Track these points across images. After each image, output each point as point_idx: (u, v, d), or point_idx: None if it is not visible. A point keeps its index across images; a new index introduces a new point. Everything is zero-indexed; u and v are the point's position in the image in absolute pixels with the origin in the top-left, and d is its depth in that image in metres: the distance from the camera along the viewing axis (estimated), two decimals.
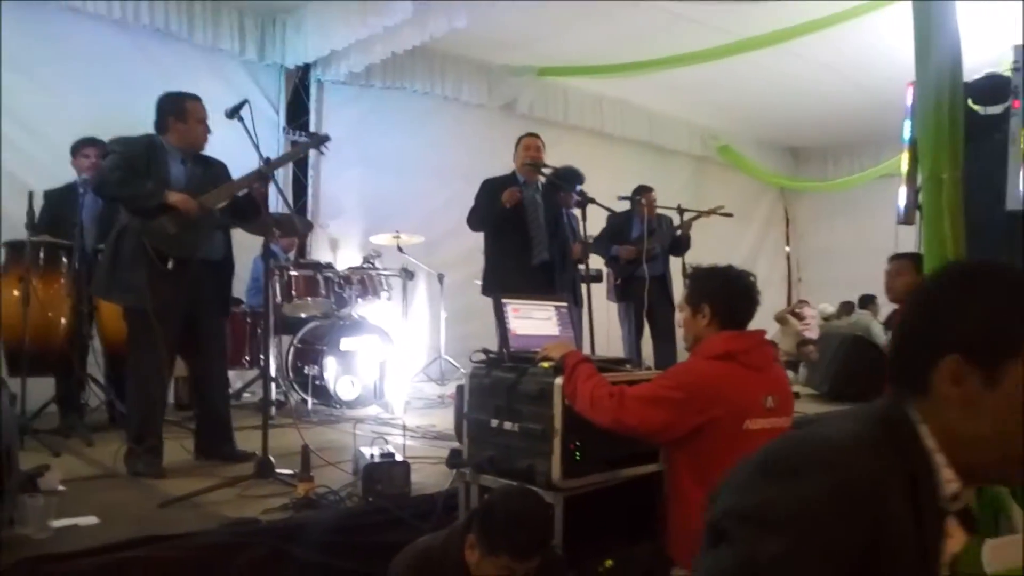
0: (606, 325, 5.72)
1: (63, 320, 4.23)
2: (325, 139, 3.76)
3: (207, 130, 3.59)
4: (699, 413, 2.14)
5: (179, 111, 3.53)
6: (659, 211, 5.95)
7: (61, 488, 2.92)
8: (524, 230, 4.74)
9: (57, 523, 2.47)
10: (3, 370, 4.09)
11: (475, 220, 4.85)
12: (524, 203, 4.73)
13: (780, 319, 8.93)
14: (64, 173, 4.76)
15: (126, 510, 2.78)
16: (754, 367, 2.24)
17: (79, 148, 4.70)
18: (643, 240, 5.58)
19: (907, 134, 4.26)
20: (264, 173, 3.40)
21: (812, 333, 7.94)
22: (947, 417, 0.91)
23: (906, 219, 4.48)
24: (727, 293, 2.31)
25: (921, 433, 0.92)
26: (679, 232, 5.84)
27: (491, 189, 4.81)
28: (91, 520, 2.58)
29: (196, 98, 3.57)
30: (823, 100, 8.23)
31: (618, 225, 5.79)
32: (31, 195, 4.07)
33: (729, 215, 6.05)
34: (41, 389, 4.29)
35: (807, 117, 9.06)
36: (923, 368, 0.92)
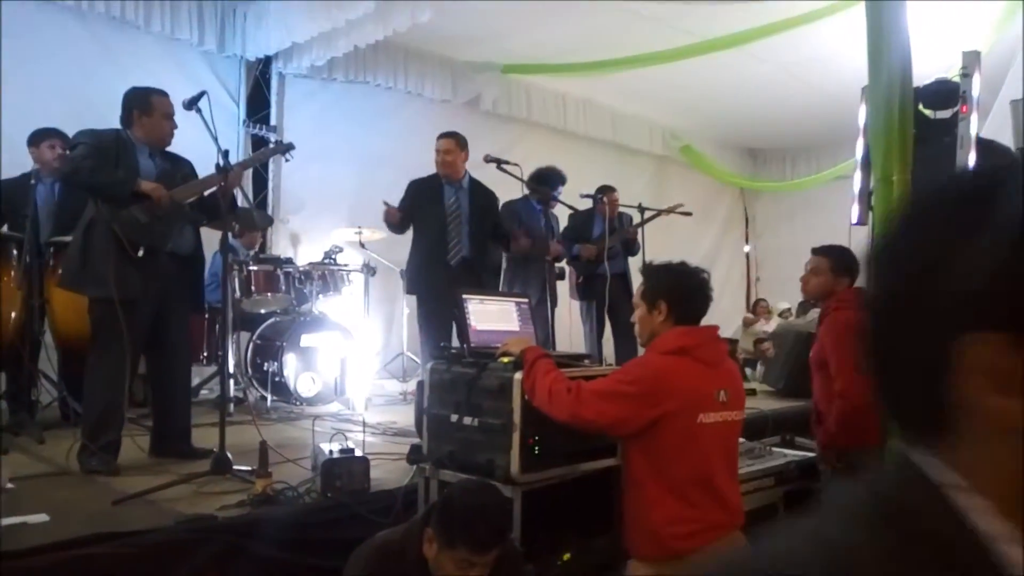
0: (568, 323, 5.78)
1: (13, 314, 4.12)
2: (290, 147, 3.83)
3: (173, 126, 3.55)
4: (654, 407, 2.18)
5: (144, 105, 3.48)
6: (621, 209, 6.01)
7: (10, 486, 2.86)
8: (441, 230, 4.74)
9: (6, 521, 2.41)
10: None
11: (391, 224, 4.90)
12: (443, 203, 4.75)
13: (746, 322, 9.11)
14: (15, 163, 4.63)
15: (78, 507, 2.73)
16: (707, 362, 2.29)
17: (41, 138, 4.58)
18: (604, 239, 5.64)
19: (861, 137, 4.38)
20: (233, 174, 3.38)
21: (768, 327, 8.11)
22: (994, 452, 0.49)
23: (860, 220, 4.61)
24: (682, 289, 2.36)
25: (959, 502, 0.49)
26: (624, 237, 5.91)
27: (412, 191, 4.89)
28: (41, 518, 2.52)
29: (163, 93, 3.52)
30: (782, 102, 8.39)
31: (580, 224, 5.87)
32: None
33: (688, 214, 6.15)
34: None
35: (767, 119, 9.22)
36: (932, 377, 0.50)
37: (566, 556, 2.60)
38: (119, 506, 2.74)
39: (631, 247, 5.92)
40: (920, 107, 4.33)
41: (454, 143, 4.80)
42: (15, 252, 4.18)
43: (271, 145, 4.17)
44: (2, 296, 4.08)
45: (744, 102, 8.48)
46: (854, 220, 4.61)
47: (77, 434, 3.37)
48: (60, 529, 2.42)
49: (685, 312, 2.34)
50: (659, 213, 5.96)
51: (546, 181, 5.35)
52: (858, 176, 4.50)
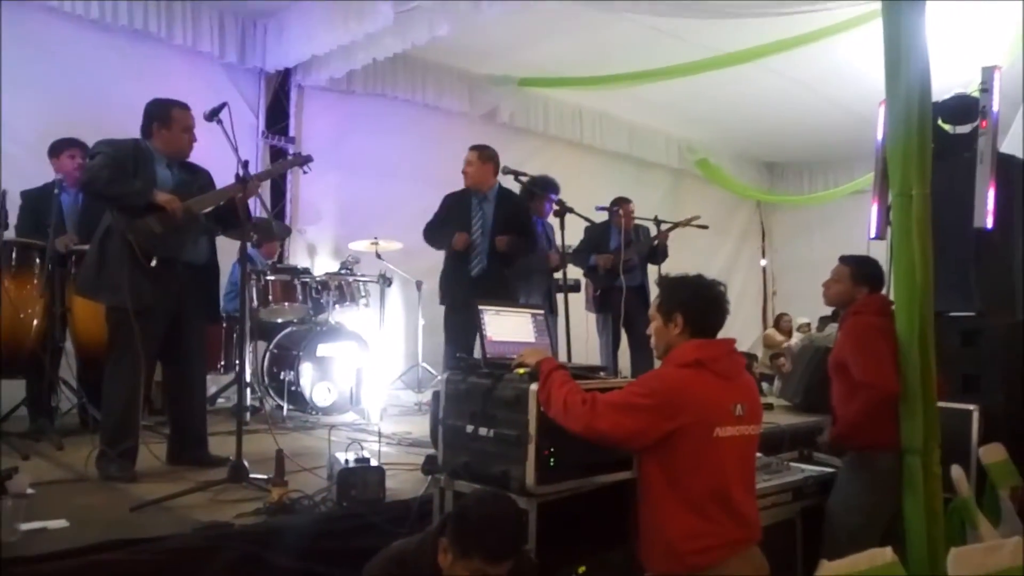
0: (584, 335, 5.77)
1: (35, 322, 4.17)
2: (308, 159, 3.86)
3: (193, 138, 3.59)
4: (669, 420, 2.17)
5: (165, 118, 3.52)
6: (637, 222, 6.01)
7: (30, 491, 2.87)
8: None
9: (26, 526, 2.43)
10: None
11: (428, 234, 4.94)
12: (469, 214, 4.78)
13: (768, 342, 9.06)
14: (38, 173, 4.71)
15: (96, 514, 2.75)
16: (724, 375, 2.28)
17: (62, 148, 4.66)
18: (621, 250, 5.64)
19: (879, 151, 4.37)
20: (250, 185, 3.40)
21: (792, 342, 8.06)
22: None
23: (878, 234, 4.58)
24: (699, 302, 2.35)
25: None
26: (655, 242, 5.91)
27: (446, 204, 4.92)
28: (61, 523, 2.55)
29: (184, 106, 3.55)
30: (799, 116, 8.38)
31: (596, 236, 5.86)
32: (4, 194, 4.02)
33: (704, 227, 6.13)
34: (11, 392, 4.24)
35: (784, 132, 9.21)
36: None
37: (581, 569, 2.58)
38: (137, 512, 2.76)
39: (657, 255, 5.91)
40: (939, 122, 4.31)
41: (476, 155, 4.83)
42: (38, 261, 4.24)
43: (290, 157, 4.20)
44: (25, 304, 4.13)
45: (761, 115, 8.48)
46: (872, 235, 4.59)
47: (96, 441, 3.41)
48: (79, 535, 2.44)
49: (701, 325, 2.33)
50: (675, 226, 5.96)
51: (538, 188, 5.37)
52: (876, 190, 4.49)
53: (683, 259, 5.98)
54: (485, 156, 4.84)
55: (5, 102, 5.20)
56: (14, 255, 4.16)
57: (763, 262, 11.44)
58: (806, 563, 3.16)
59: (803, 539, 3.32)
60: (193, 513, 2.76)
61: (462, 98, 7.61)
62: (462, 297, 4.49)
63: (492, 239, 4.73)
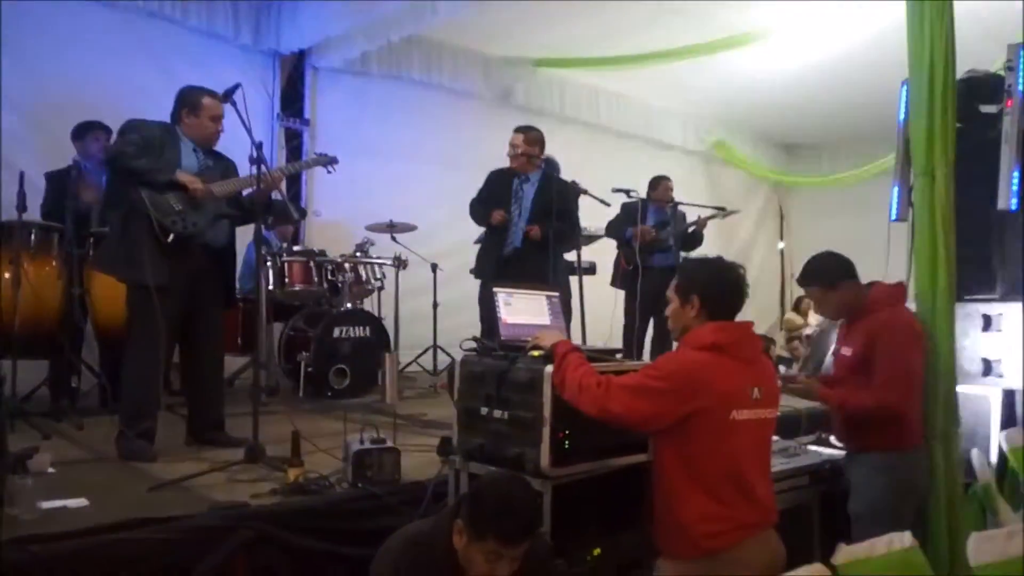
0: (611, 314, 5.74)
1: (55, 303, 4.21)
2: (333, 160, 3.95)
3: (219, 127, 3.62)
4: (685, 403, 2.15)
5: (193, 105, 3.55)
6: (678, 206, 5.99)
7: (51, 470, 2.93)
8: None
9: (46, 504, 2.47)
10: None
11: (471, 208, 4.97)
12: (510, 194, 4.80)
13: (789, 325, 8.99)
14: (56, 155, 4.74)
15: (116, 493, 2.78)
16: (741, 358, 2.26)
17: (87, 131, 4.68)
18: (659, 225, 5.63)
19: (900, 131, 4.29)
20: (270, 178, 3.45)
21: (811, 329, 8.00)
22: None
23: (899, 216, 4.51)
24: (716, 284, 2.32)
25: None
26: (692, 229, 5.87)
27: (488, 179, 4.95)
28: (81, 502, 2.58)
29: (214, 95, 3.56)
30: (818, 96, 8.25)
31: (633, 212, 5.76)
32: (22, 176, 4.05)
33: (733, 212, 6.12)
34: (32, 372, 4.29)
35: (802, 113, 9.08)
36: None
37: (596, 551, 2.58)
38: (155, 492, 2.79)
39: (695, 241, 5.88)
40: (963, 101, 4.22)
41: (522, 137, 4.82)
42: (57, 242, 4.28)
43: (314, 156, 4.24)
44: (44, 285, 4.17)
45: (779, 96, 8.36)
46: (894, 216, 4.52)
47: (115, 421, 3.44)
48: (98, 513, 2.47)
49: (718, 307, 2.31)
50: (714, 215, 5.97)
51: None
52: (898, 171, 4.41)
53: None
54: (532, 138, 4.82)
55: (21, 85, 5.23)
56: (33, 237, 4.19)
57: (781, 244, 11.34)
58: (823, 547, 3.14)
59: (820, 523, 3.31)
60: (211, 493, 2.78)
61: (477, 79, 7.55)
62: (491, 274, 4.55)
63: (528, 222, 4.73)
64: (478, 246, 5.13)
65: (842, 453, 3.39)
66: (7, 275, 4.03)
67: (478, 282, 4.84)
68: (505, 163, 4.94)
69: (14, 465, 2.63)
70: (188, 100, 3.57)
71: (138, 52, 5.77)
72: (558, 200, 4.74)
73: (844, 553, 1.91)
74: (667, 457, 2.26)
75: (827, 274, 3.00)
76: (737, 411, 2.20)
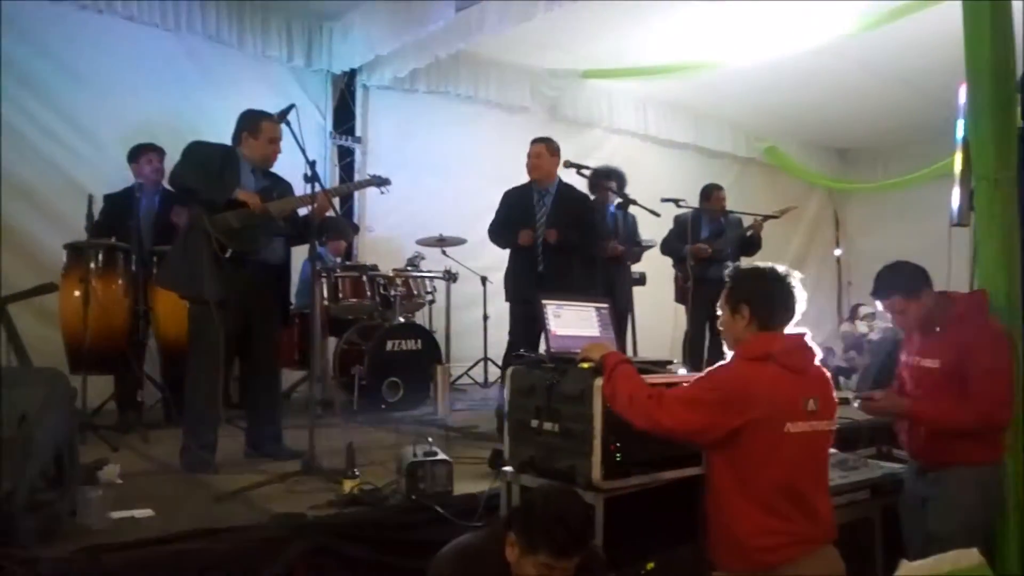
0: (673, 327, 5.68)
1: (121, 320, 4.38)
2: (386, 182, 4.01)
3: (278, 149, 3.73)
4: (737, 415, 2.12)
5: (253, 128, 3.68)
6: (729, 212, 5.91)
7: (119, 481, 3.04)
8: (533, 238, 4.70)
9: (115, 515, 2.56)
10: (65, 368, 4.25)
11: (491, 233, 4.92)
12: (533, 211, 4.72)
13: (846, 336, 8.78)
14: (119, 177, 4.93)
15: (180, 503, 2.88)
16: (795, 369, 2.21)
17: (140, 153, 4.87)
18: (714, 239, 5.55)
19: (960, 134, 4.16)
20: (324, 198, 3.53)
21: (875, 336, 7.78)
22: None
23: (960, 221, 4.37)
24: (766, 293, 2.28)
25: None
26: (750, 232, 5.78)
27: (506, 200, 4.87)
28: (147, 512, 2.67)
29: (272, 117, 3.67)
30: (872, 99, 8.06)
31: (685, 225, 5.69)
32: (90, 198, 4.23)
33: (786, 209, 6.01)
34: (100, 387, 4.46)
35: (856, 117, 8.87)
36: None
37: (649, 565, 2.56)
38: (218, 503, 2.87)
39: (752, 246, 5.79)
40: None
41: (543, 147, 4.77)
42: (122, 261, 4.45)
43: (368, 177, 4.32)
44: (111, 303, 4.34)
45: (832, 100, 8.19)
46: (954, 221, 4.38)
47: (179, 434, 3.56)
48: (164, 523, 2.56)
49: (768, 317, 2.27)
50: (768, 217, 5.85)
51: (605, 177, 5.30)
52: (958, 175, 4.28)
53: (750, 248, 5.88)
54: (552, 149, 4.80)
55: (87, 109, 5.47)
56: (100, 257, 4.36)
57: (837, 252, 11.08)
58: (886, 562, 3.05)
59: (883, 537, 3.21)
60: (270, 504, 2.85)
61: (524, 93, 7.60)
62: (530, 294, 4.40)
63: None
64: None
65: (901, 467, 3.29)
66: (77, 293, 4.21)
67: None
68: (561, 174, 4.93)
69: (85, 477, 2.75)
70: (248, 123, 3.70)
71: (197, 76, 5.98)
72: (577, 209, 4.74)
73: (907, 569, 1.86)
74: (720, 470, 2.23)
75: (908, 283, 2.88)
76: (792, 423, 2.16)
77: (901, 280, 2.89)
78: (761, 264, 2.38)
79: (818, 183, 10.47)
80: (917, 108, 7.88)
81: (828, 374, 2.37)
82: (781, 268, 2.35)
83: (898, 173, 10.01)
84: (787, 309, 2.28)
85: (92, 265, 4.26)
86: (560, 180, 4.86)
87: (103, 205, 4.74)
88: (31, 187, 5.22)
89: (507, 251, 4.95)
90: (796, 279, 2.33)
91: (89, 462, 2.93)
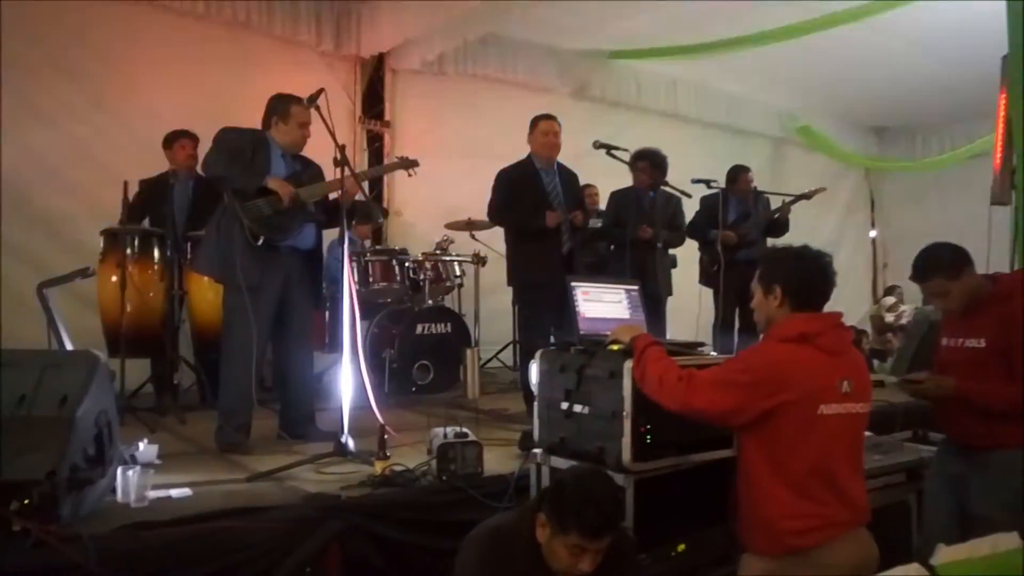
0: (696, 308, 5.63)
1: (157, 304, 4.46)
2: (414, 163, 4.01)
3: (307, 133, 3.75)
4: (769, 397, 2.10)
5: (284, 113, 3.71)
6: (761, 195, 5.83)
7: (157, 462, 3.11)
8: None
9: (153, 494, 2.62)
10: (104, 351, 4.35)
11: (495, 215, 4.69)
12: (546, 192, 4.55)
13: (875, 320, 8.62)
14: (153, 163, 4.99)
15: (216, 483, 2.93)
16: (829, 350, 2.18)
17: (174, 140, 4.93)
18: (742, 221, 5.48)
19: (1001, 110, 4.05)
20: (353, 182, 3.53)
21: (906, 319, 7.64)
22: None
23: (1000, 199, 4.26)
24: (799, 274, 2.25)
25: None
26: (777, 215, 5.69)
27: (508, 181, 4.60)
28: (184, 492, 2.74)
29: (302, 103, 3.67)
30: (908, 76, 7.86)
31: (712, 207, 5.58)
32: (125, 185, 4.30)
33: (815, 191, 5.90)
34: (138, 370, 4.55)
35: (892, 94, 8.68)
36: None
37: (680, 547, 2.56)
38: (252, 483, 2.93)
39: (779, 228, 5.71)
40: None
41: (558, 125, 4.64)
42: (157, 247, 4.52)
43: (396, 159, 4.30)
44: (147, 288, 4.42)
45: (867, 77, 8.02)
46: (994, 201, 4.27)
47: (214, 415, 3.62)
48: (200, 502, 2.62)
49: (802, 298, 2.23)
50: (799, 198, 5.75)
51: (649, 159, 5.21)
52: (998, 153, 4.17)
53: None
54: (559, 126, 4.65)
55: (120, 97, 5.55)
56: (136, 242, 4.44)
57: (872, 233, 10.88)
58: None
59: (919, 521, 3.17)
60: (303, 485, 2.90)
61: (552, 74, 7.55)
62: (551, 276, 4.15)
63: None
64: None
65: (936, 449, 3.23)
66: (114, 278, 4.29)
67: None
68: (584, 157, 4.87)
69: (125, 457, 2.81)
70: (278, 108, 3.72)
71: (227, 61, 6.03)
72: (577, 188, 4.67)
73: (944, 553, 1.83)
74: (752, 452, 2.21)
75: (950, 264, 2.79)
76: (825, 405, 2.12)
77: (943, 262, 2.81)
78: (795, 245, 2.34)
79: (853, 162, 10.27)
80: (956, 84, 7.67)
81: (863, 356, 2.33)
82: (814, 248, 2.31)
83: (936, 151, 9.79)
84: (821, 290, 2.25)
85: (128, 251, 4.34)
86: (558, 161, 4.69)
87: (138, 190, 4.81)
88: (67, 174, 5.33)
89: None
90: (828, 259, 2.29)
91: (128, 443, 3.00)
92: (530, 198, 4.52)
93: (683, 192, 5.16)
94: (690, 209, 5.72)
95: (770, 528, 2.16)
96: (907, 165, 10.26)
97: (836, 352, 2.19)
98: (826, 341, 2.18)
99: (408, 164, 4.02)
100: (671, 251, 5.38)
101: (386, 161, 6.94)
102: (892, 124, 10.44)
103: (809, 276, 2.25)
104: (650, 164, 5.16)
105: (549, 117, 4.68)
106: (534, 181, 4.56)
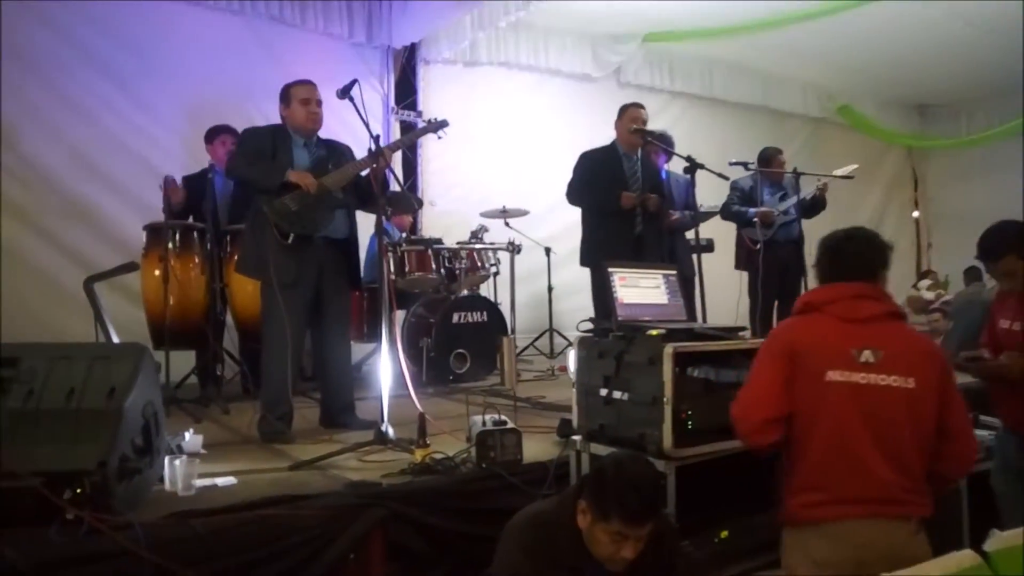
0: (734, 293, 5.57)
1: (199, 298, 4.53)
2: (443, 124, 3.89)
3: (312, 110, 3.67)
4: (782, 367, 2.08)
5: (285, 97, 3.71)
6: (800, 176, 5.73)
7: (203, 451, 3.17)
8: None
9: (199, 483, 2.67)
10: (149, 344, 4.44)
11: (574, 195, 4.90)
12: (626, 176, 4.72)
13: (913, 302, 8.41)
14: (191, 158, 5.07)
15: (260, 472, 2.98)
16: (844, 318, 2.11)
17: (215, 135, 4.99)
18: (777, 203, 5.42)
19: None
20: (384, 154, 3.51)
21: (949, 296, 7.46)
22: None
23: None
24: (824, 252, 2.25)
25: None
26: (813, 195, 5.59)
27: (590, 163, 4.83)
28: (229, 480, 2.78)
29: (302, 82, 3.69)
30: (951, 51, 7.62)
31: (744, 190, 5.57)
32: (164, 180, 4.36)
33: (847, 172, 5.76)
34: (182, 362, 4.64)
35: (935, 71, 8.43)
36: None
37: (724, 534, 2.53)
38: (295, 471, 2.97)
39: (816, 207, 5.63)
40: None
41: (643, 113, 4.79)
42: (198, 241, 4.59)
43: (423, 124, 4.24)
44: (189, 281, 4.49)
45: (908, 54, 7.79)
46: None
47: (257, 406, 3.68)
48: (245, 491, 2.66)
49: (828, 272, 2.23)
50: (834, 178, 5.61)
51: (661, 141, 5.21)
52: None
53: (826, 213, 5.67)
54: (646, 115, 4.81)
55: (157, 93, 5.63)
56: (178, 237, 4.51)
57: (915, 213, 10.62)
58: (973, 534, 2.93)
59: (969, 508, 3.09)
60: (344, 473, 2.93)
61: (585, 60, 7.50)
62: (627, 257, 4.43)
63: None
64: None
65: (989, 433, 3.15)
66: (157, 272, 4.38)
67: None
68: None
69: (171, 447, 2.87)
70: (282, 96, 3.72)
71: (259, 55, 6.09)
72: (658, 176, 4.72)
73: (998, 540, 1.79)
74: (788, 431, 2.15)
75: (1022, 242, 2.73)
76: (832, 371, 2.04)
77: (1015, 239, 2.74)
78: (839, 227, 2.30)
79: (895, 141, 10.03)
80: (1001, 58, 7.42)
81: (909, 329, 2.25)
82: (859, 228, 2.27)
83: (981, 127, 9.49)
84: (841, 265, 2.20)
85: (170, 245, 4.41)
86: (643, 147, 4.85)
87: (182, 186, 4.89)
88: (109, 170, 5.44)
89: (572, 220, 4.92)
90: (863, 236, 2.25)
91: (174, 433, 3.06)
92: (608, 180, 4.70)
93: (721, 175, 5.07)
94: (723, 195, 5.64)
95: (787, 499, 2.11)
96: (951, 142, 9.97)
97: (855, 320, 2.11)
98: (838, 308, 2.12)
99: (437, 126, 3.90)
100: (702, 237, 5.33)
101: (420, 152, 6.97)
102: (935, 101, 10.16)
103: (831, 253, 2.23)
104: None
105: (638, 105, 4.84)
106: (615, 165, 4.77)
